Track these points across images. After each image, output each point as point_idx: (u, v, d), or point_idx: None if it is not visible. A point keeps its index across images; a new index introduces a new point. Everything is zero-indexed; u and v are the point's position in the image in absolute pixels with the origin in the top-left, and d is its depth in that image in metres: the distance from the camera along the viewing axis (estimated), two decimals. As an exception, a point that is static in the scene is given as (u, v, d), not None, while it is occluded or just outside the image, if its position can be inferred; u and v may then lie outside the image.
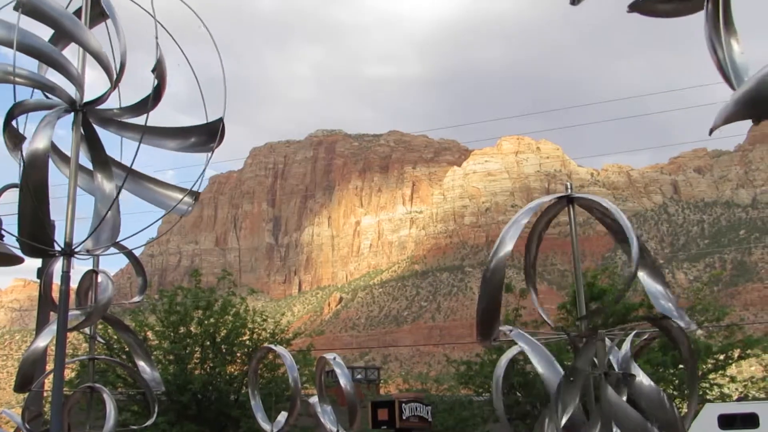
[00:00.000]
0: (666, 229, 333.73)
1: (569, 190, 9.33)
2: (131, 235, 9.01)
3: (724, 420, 29.35)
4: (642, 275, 8.97)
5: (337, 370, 14.34)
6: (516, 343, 9.35)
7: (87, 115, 8.58)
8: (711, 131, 4.52)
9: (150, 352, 34.01)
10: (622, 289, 7.82)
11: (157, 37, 8.21)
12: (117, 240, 8.97)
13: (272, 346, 15.40)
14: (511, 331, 9.21)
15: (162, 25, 8.39)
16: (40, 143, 7.70)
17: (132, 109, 8.91)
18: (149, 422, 13.37)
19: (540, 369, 8.78)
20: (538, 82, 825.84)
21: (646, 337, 9.74)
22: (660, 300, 8.86)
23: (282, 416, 14.42)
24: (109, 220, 8.64)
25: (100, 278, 13.21)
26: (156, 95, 8.57)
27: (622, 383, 8.76)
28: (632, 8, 5.30)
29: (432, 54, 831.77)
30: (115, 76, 8.42)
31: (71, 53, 8.61)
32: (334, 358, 14.64)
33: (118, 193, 8.79)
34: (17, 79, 8.13)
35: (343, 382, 14.15)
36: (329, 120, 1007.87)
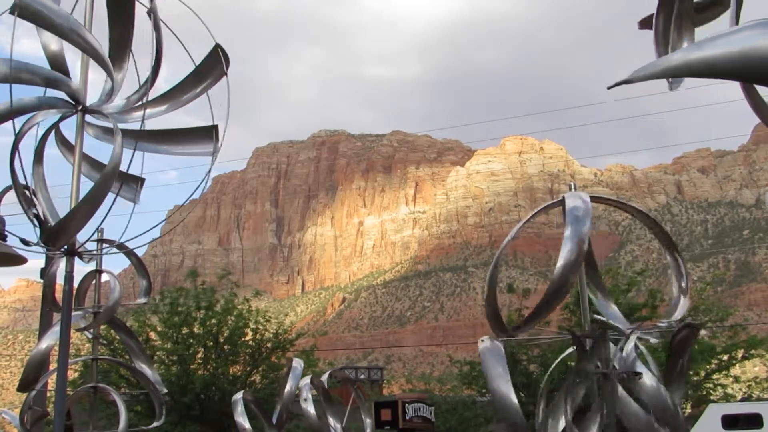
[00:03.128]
0: (669, 230, 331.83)
1: (572, 191, 9.32)
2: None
3: (728, 420, 29.25)
4: (671, 264, 9.15)
5: (307, 397, 14.45)
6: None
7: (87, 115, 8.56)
8: (614, 85, 4.65)
9: (152, 353, 34.16)
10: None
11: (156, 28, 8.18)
12: (122, 241, 8.97)
13: (294, 359, 15.61)
14: (483, 341, 9.16)
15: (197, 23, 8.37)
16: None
17: (133, 108, 8.90)
18: (157, 423, 13.35)
19: (492, 381, 8.74)
20: (540, 82, 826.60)
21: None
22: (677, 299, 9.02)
23: None
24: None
25: (108, 279, 13.22)
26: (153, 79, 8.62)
27: (627, 382, 8.74)
28: (642, 25, 5.40)
29: (432, 55, 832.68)
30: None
31: (72, 53, 8.59)
32: (306, 398, 14.66)
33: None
34: (27, 77, 8.13)
35: (311, 411, 14.25)
36: (330, 121, 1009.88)
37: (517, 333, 8.92)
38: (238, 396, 14.71)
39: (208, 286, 39.19)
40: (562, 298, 8.09)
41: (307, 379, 14.76)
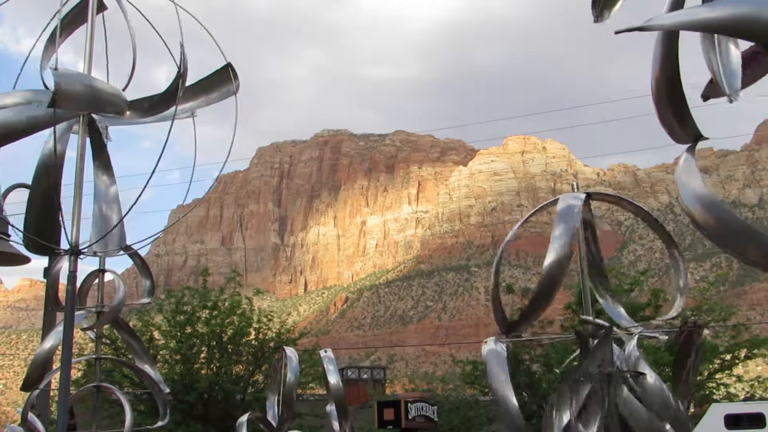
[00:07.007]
0: (672, 229, 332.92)
1: (575, 190, 9.30)
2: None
3: (731, 420, 29.26)
4: (672, 266, 9.14)
5: (330, 367, 14.05)
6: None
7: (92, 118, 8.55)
8: (624, 30, 4.28)
9: (155, 353, 34.19)
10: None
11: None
12: (125, 242, 8.96)
13: (285, 348, 15.30)
14: (485, 342, 9.13)
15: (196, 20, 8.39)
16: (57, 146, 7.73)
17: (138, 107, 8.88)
18: (162, 423, 13.34)
19: (495, 386, 8.72)
20: (541, 82, 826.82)
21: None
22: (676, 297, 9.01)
23: None
24: (113, 221, 8.63)
25: (112, 278, 13.22)
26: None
27: (630, 382, 8.74)
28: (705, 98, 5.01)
29: (433, 55, 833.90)
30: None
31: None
32: (326, 352, 14.41)
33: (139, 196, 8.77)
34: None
35: (333, 379, 13.88)
36: (332, 121, 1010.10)
37: (512, 332, 8.90)
38: (243, 419, 14.48)
39: (212, 286, 39.28)
40: (552, 297, 8.04)
41: (329, 351, 14.50)
